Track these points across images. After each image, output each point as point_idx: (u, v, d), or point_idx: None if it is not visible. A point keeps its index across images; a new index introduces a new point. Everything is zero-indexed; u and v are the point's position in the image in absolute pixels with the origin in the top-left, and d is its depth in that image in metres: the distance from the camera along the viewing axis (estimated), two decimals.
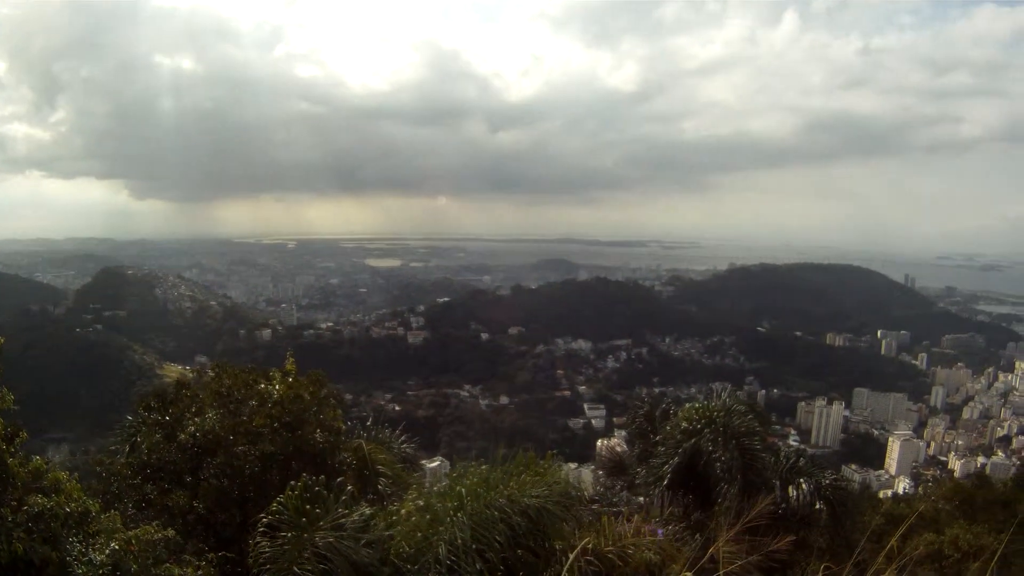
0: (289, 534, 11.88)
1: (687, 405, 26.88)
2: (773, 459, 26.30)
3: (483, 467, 13.51)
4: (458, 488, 12.56)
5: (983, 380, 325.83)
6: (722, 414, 24.25)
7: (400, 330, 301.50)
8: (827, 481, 26.33)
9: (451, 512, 12.08)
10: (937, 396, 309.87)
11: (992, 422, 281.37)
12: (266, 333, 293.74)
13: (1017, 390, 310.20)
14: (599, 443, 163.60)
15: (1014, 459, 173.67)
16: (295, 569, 11.47)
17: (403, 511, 12.58)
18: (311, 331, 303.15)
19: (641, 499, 25.15)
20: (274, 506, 12.36)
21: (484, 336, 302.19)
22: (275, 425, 19.26)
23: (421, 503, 12.56)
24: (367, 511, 12.87)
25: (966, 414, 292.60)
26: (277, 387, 20.01)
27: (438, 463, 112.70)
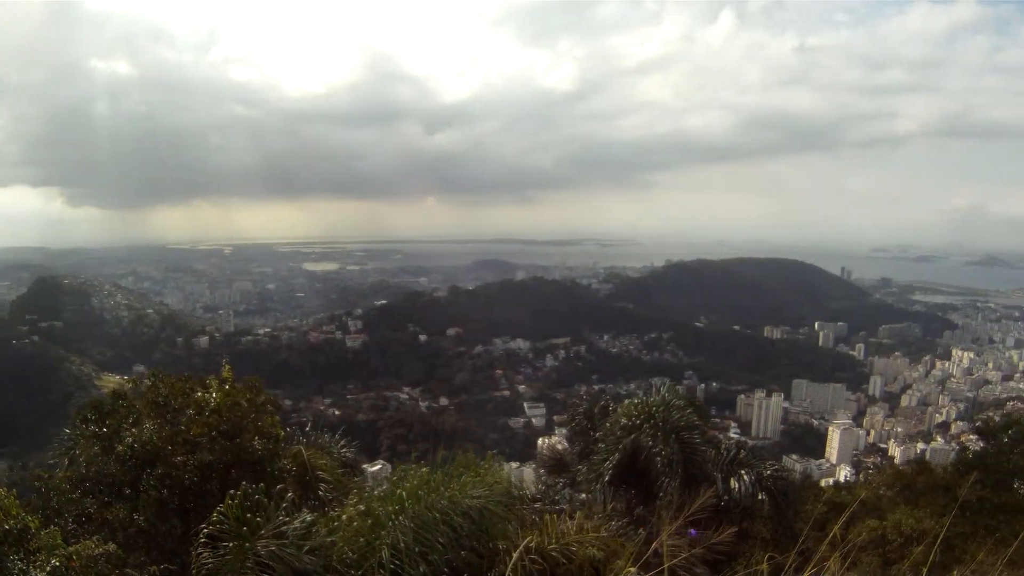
0: (231, 544, 11.65)
1: (626, 401, 26.89)
2: (714, 452, 26.39)
3: (423, 470, 13.43)
4: (399, 491, 12.47)
5: (920, 368, 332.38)
6: (661, 409, 24.29)
7: (338, 334, 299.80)
8: (768, 472, 26.48)
9: (393, 516, 11.97)
10: (875, 385, 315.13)
11: (930, 409, 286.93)
12: (204, 340, 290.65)
13: (954, 377, 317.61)
14: (540, 442, 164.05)
15: (953, 444, 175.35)
16: None
17: (344, 516, 12.49)
18: (249, 337, 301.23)
19: (584, 496, 25.24)
20: (214, 516, 12.10)
21: (422, 338, 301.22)
22: (213, 434, 19.06)
23: (362, 508, 12.46)
24: (308, 518, 12.66)
25: (904, 402, 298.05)
26: (214, 395, 19.87)
27: (380, 467, 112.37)
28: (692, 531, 13.09)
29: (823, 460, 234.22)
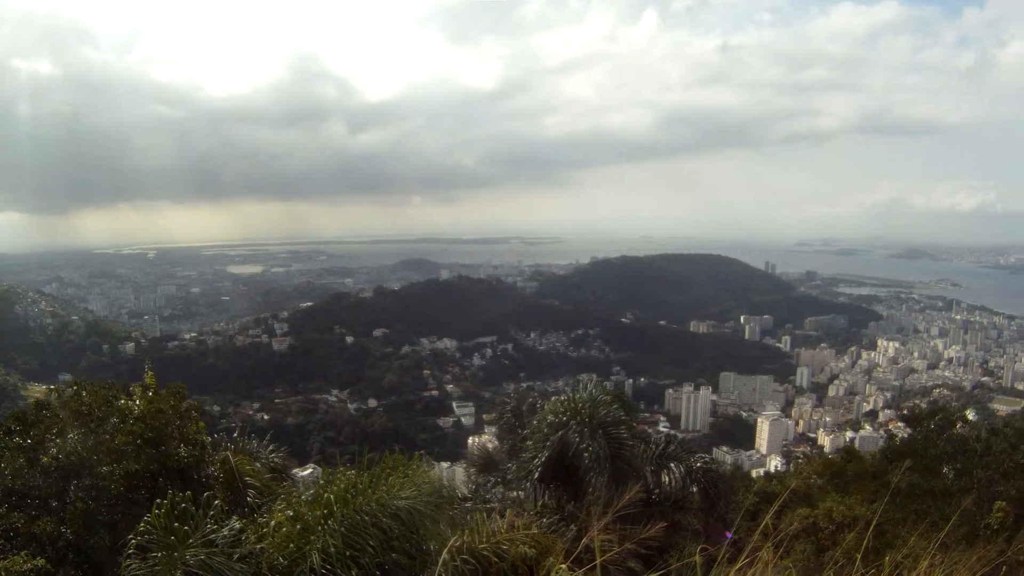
0: (159, 554, 11.37)
1: (553, 398, 27.08)
2: (643, 446, 26.60)
3: (351, 472, 13.36)
4: (326, 495, 12.34)
5: (847, 359, 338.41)
6: (587, 405, 24.34)
7: (264, 337, 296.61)
8: (698, 464, 26.82)
9: (321, 520, 11.87)
10: (802, 376, 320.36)
11: (858, 398, 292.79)
12: (129, 347, 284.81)
13: (880, 367, 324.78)
14: (470, 441, 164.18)
15: (881, 432, 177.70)
16: None
17: (273, 522, 12.37)
18: (175, 343, 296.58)
19: (514, 494, 25.23)
20: (142, 526, 11.83)
21: (349, 339, 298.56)
22: (138, 442, 18.69)
23: (291, 513, 12.34)
24: (237, 525, 12.50)
25: (832, 392, 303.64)
26: (138, 402, 19.62)
27: (311, 471, 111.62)
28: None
29: (753, 451, 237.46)
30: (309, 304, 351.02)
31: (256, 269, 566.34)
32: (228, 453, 18.82)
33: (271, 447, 23.27)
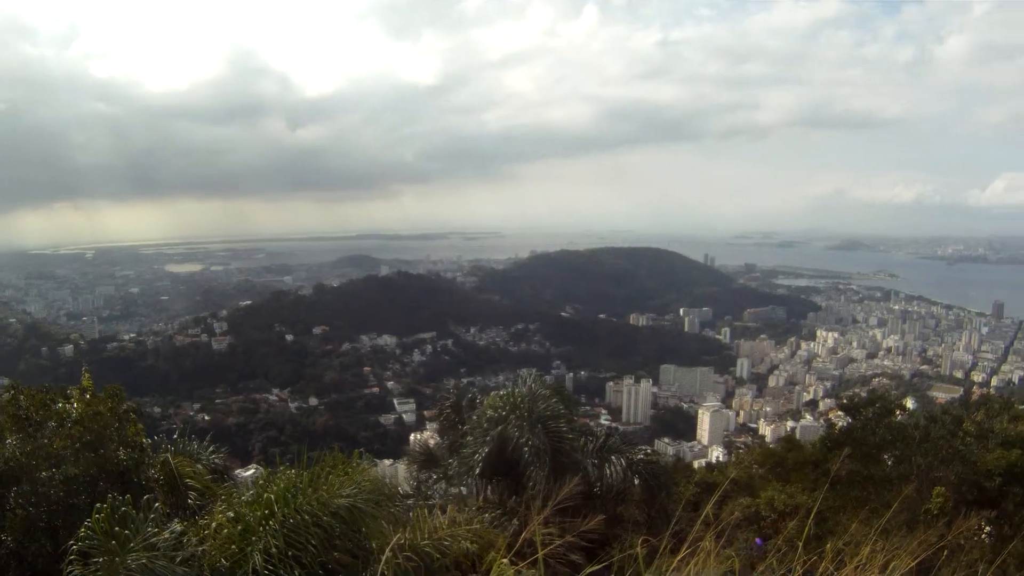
0: (101, 559, 11.15)
1: (492, 393, 27.12)
2: (583, 440, 26.72)
3: (291, 472, 13.22)
4: (267, 495, 12.21)
5: (786, 349, 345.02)
6: (527, 400, 24.41)
7: (204, 337, 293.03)
8: (639, 456, 27.08)
9: (262, 520, 11.74)
10: (742, 367, 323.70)
11: (798, 388, 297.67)
12: (69, 349, 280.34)
13: (820, 357, 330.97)
14: (412, 437, 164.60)
15: (821, 421, 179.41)
16: None
17: (214, 524, 12.26)
18: (114, 344, 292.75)
19: (456, 490, 25.14)
20: (83, 531, 11.57)
21: (289, 337, 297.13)
22: (77, 446, 18.32)
23: (232, 514, 12.22)
24: (178, 527, 12.32)
25: (772, 382, 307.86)
26: (76, 405, 19.39)
27: (253, 471, 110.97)
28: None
29: (695, 442, 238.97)
30: (248, 303, 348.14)
31: (195, 268, 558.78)
32: (168, 455, 18.63)
33: (211, 448, 22.68)
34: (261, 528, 11.57)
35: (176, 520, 13.39)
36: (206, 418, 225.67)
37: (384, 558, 10.66)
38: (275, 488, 12.32)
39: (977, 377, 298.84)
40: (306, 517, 11.74)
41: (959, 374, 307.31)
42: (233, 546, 11.51)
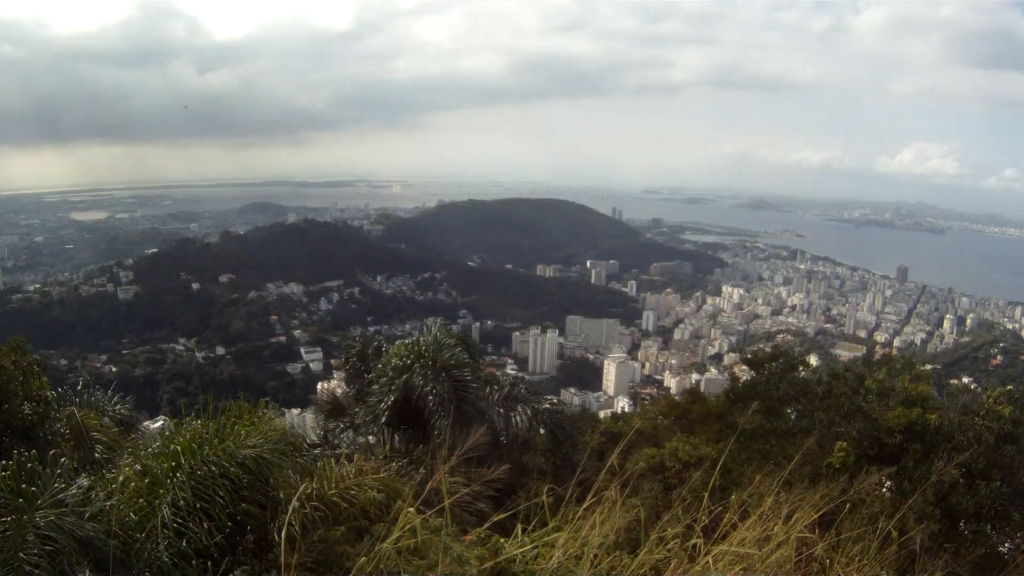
0: (9, 518, 11.10)
1: (398, 342, 27.32)
2: (489, 389, 27.00)
3: (197, 422, 13.11)
4: (173, 447, 12.10)
5: (692, 304, 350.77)
6: (432, 349, 24.60)
7: (110, 287, 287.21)
8: (544, 406, 27.51)
9: (170, 473, 11.64)
10: (648, 320, 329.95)
11: (703, 341, 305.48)
12: None
13: (725, 312, 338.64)
14: (319, 387, 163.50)
15: (726, 374, 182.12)
16: (20, 555, 10.70)
17: (122, 478, 12.13)
18: (19, 295, 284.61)
19: (364, 439, 25.25)
20: None
21: (195, 286, 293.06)
22: None
23: (139, 467, 12.10)
24: (86, 483, 12.14)
25: (677, 335, 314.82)
26: None
27: (161, 422, 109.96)
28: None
29: (600, 393, 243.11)
30: (155, 251, 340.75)
31: (101, 216, 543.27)
32: (74, 409, 18.39)
33: (117, 400, 22.51)
34: (168, 481, 11.47)
35: (83, 475, 13.22)
36: (113, 369, 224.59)
37: (292, 508, 10.66)
38: (181, 440, 12.20)
39: (880, 337, 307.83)
40: (213, 468, 11.65)
41: (862, 334, 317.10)
42: (141, 500, 11.36)
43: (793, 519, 8.87)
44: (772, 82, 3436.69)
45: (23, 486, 11.18)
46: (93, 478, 12.77)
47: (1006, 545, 26.65)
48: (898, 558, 10.02)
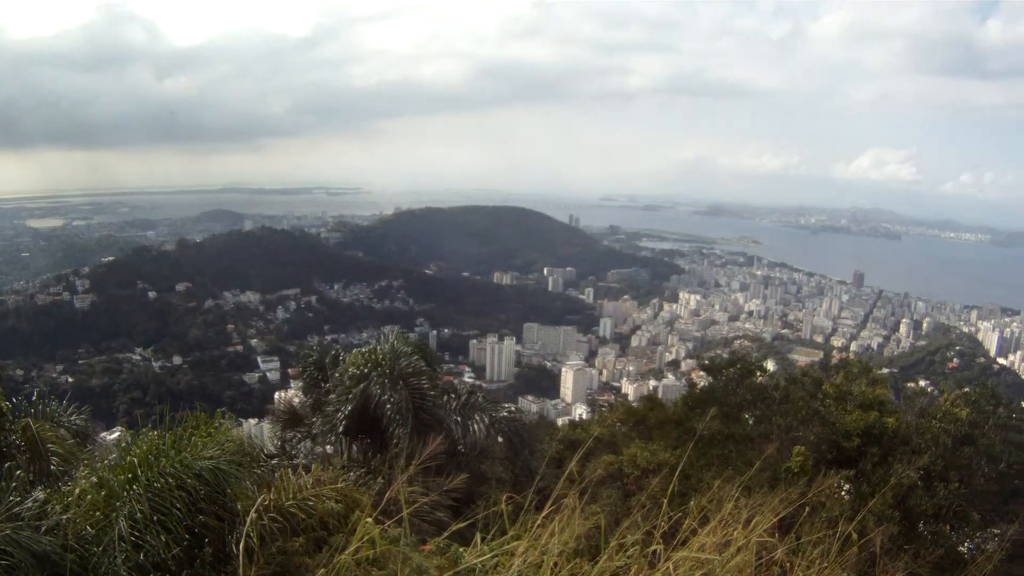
0: None
1: (355, 350, 27.10)
2: (446, 398, 27.03)
3: (153, 434, 12.97)
4: (129, 459, 12.00)
5: (649, 310, 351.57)
6: (389, 357, 24.61)
7: (66, 295, 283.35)
8: (502, 414, 27.46)
9: (126, 485, 11.54)
10: (606, 327, 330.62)
11: (660, 348, 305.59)
12: None
13: (682, 318, 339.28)
14: (276, 396, 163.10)
15: (683, 380, 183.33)
16: None
17: (78, 490, 12.03)
18: None
19: (322, 449, 25.35)
20: None
21: (152, 295, 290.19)
22: None
23: (95, 479, 12.02)
24: (42, 495, 12.19)
25: (635, 342, 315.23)
26: None
27: (118, 433, 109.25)
28: None
29: (558, 400, 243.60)
30: (111, 259, 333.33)
31: (57, 223, 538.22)
32: (29, 420, 18.28)
33: (72, 410, 22.18)
34: (125, 493, 11.39)
35: (39, 488, 13.17)
36: (69, 379, 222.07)
37: (249, 519, 10.52)
38: (138, 451, 12.13)
39: (837, 342, 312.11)
40: (170, 480, 11.57)
41: (819, 339, 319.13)
42: (98, 513, 11.30)
43: (753, 524, 8.88)
44: (730, 89, 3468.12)
45: None
46: (49, 491, 12.73)
47: (966, 545, 26.96)
48: (858, 560, 10.05)
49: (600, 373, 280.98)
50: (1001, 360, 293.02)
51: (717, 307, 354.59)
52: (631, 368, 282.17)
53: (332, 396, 24.86)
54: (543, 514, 8.66)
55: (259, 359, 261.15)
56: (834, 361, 62.88)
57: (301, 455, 25.64)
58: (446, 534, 9.82)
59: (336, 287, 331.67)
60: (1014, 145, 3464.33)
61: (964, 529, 27.17)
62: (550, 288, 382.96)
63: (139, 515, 11.04)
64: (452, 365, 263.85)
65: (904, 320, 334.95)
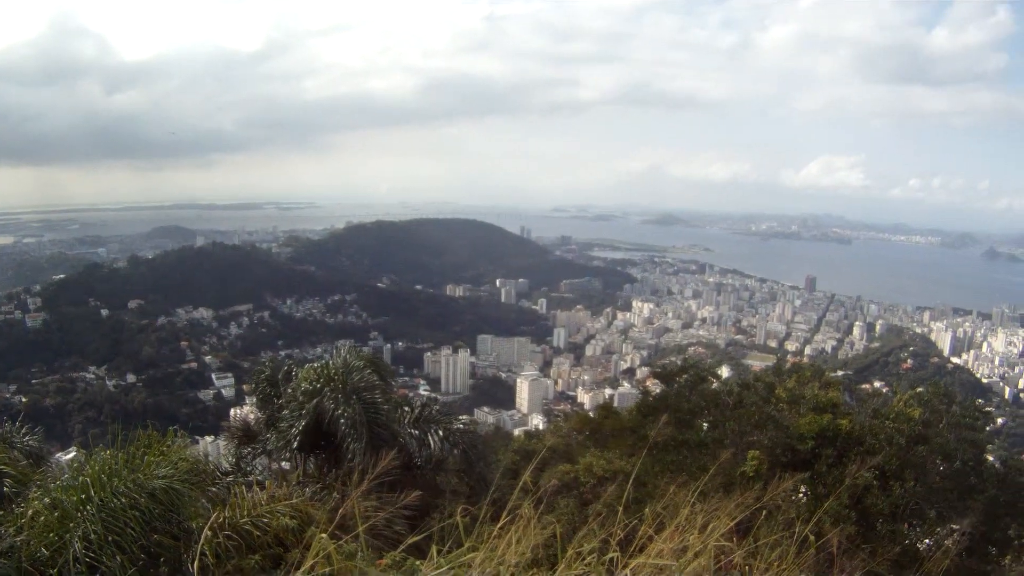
0: None
1: (307, 366, 27.07)
2: (400, 411, 27.24)
3: (106, 453, 12.78)
4: (82, 479, 11.86)
5: (603, 320, 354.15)
6: (341, 371, 24.57)
7: (18, 314, 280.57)
8: (457, 426, 27.79)
9: (79, 506, 11.39)
10: (559, 337, 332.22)
11: (615, 356, 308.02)
12: None
13: (636, 327, 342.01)
14: (231, 413, 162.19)
15: (639, 388, 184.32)
16: None
17: (31, 512, 11.95)
18: None
19: (276, 465, 25.33)
20: None
21: (104, 312, 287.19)
22: None
23: (48, 500, 11.94)
24: None
25: (589, 351, 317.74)
26: None
27: (73, 453, 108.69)
28: None
29: (514, 411, 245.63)
30: (62, 276, 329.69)
31: (7, 240, 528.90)
32: None
33: (25, 431, 22.13)
34: (79, 513, 11.28)
35: None
36: (23, 400, 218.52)
37: (204, 537, 10.54)
38: (91, 471, 12.02)
39: (791, 346, 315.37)
40: (123, 500, 11.45)
41: (773, 343, 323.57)
42: (52, 534, 11.17)
43: (709, 528, 8.91)
44: (680, 99, 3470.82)
45: None
46: (1, 513, 12.56)
47: (924, 542, 27.17)
48: (816, 561, 10.11)
49: (555, 383, 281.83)
50: (955, 359, 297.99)
51: (671, 315, 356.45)
52: (586, 377, 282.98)
53: (286, 412, 24.71)
54: (499, 525, 8.66)
55: (213, 376, 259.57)
56: (787, 365, 63.38)
57: (256, 472, 25.43)
58: (402, 548, 9.80)
59: (289, 302, 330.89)
60: (960, 150, 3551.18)
61: (921, 526, 27.41)
62: (503, 299, 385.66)
63: (93, 536, 10.93)
64: (407, 378, 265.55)
65: (857, 323, 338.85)
